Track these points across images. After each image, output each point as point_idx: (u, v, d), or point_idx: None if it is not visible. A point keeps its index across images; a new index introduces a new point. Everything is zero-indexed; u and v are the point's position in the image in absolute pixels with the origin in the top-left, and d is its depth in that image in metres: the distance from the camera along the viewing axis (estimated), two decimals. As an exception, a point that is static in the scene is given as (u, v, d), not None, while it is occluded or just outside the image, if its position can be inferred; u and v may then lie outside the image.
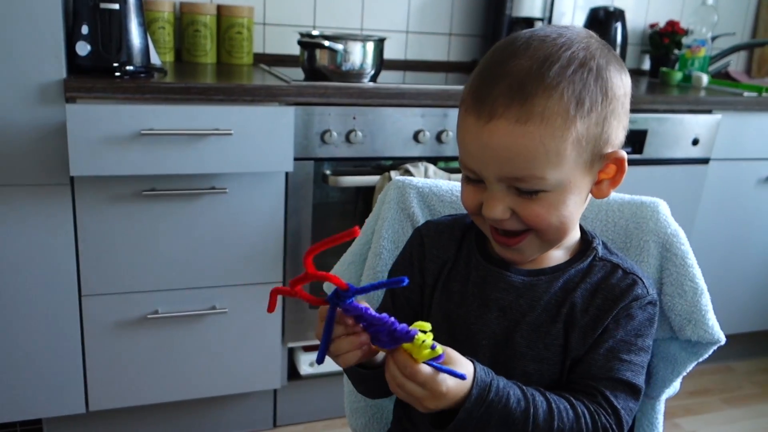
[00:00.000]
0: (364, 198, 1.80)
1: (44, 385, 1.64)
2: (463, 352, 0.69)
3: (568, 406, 0.73)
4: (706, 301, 0.86)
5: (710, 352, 0.87)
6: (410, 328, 0.65)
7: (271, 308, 0.67)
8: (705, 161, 2.09)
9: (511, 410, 0.70)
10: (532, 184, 0.70)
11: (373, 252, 0.98)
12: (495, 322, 0.79)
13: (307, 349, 1.91)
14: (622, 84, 0.74)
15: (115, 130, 1.46)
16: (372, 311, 0.66)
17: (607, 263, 0.81)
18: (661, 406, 0.94)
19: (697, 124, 2.03)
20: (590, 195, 0.78)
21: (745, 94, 2.13)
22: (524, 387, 0.73)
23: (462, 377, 0.67)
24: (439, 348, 0.65)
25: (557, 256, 0.82)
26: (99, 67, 1.54)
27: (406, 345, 0.65)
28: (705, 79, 2.28)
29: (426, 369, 0.65)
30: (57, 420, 1.73)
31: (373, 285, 0.65)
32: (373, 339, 0.67)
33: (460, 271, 0.84)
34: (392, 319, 0.65)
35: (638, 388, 0.77)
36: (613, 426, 0.75)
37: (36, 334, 1.60)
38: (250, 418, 1.93)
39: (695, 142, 2.04)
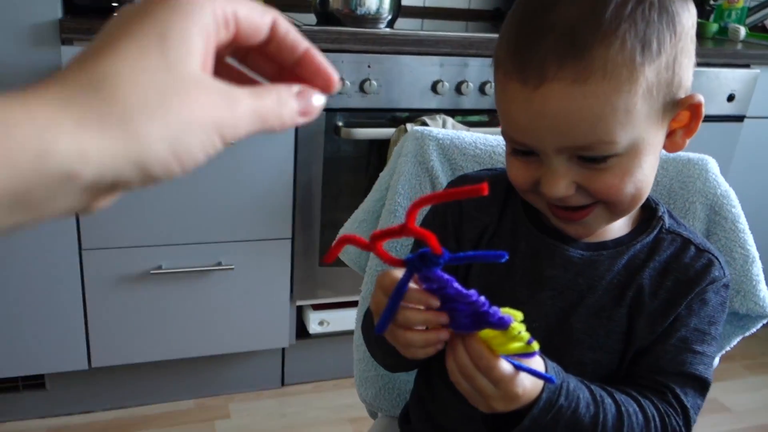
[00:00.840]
0: (378, 152, 1.71)
1: (46, 341, 1.59)
2: None
3: (638, 410, 0.65)
4: (758, 270, 0.78)
5: (759, 326, 0.79)
6: (499, 309, 0.53)
7: (330, 258, 0.49)
8: (740, 119, 1.97)
9: (580, 416, 0.61)
10: (601, 151, 0.59)
11: (387, 209, 0.90)
12: (549, 303, 0.69)
13: (316, 307, 1.85)
14: (689, 14, 0.62)
15: (114, 74, 1.37)
16: (458, 284, 0.53)
17: (677, 237, 0.71)
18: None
19: (733, 79, 1.90)
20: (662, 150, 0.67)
21: (785, 47, 2.00)
22: (593, 387, 0.64)
23: (551, 380, 0.57)
24: (536, 344, 0.54)
25: (619, 226, 0.71)
26: (97, 7, 1.45)
27: (489, 332, 0.54)
28: (742, 31, 2.15)
29: (506, 365, 0.55)
30: (59, 375, 1.69)
31: (468, 255, 0.52)
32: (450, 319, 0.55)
33: (505, 238, 0.73)
34: (482, 298, 0.52)
35: (708, 383, 0.69)
36: (682, 428, 0.67)
37: (36, 288, 1.54)
38: (257, 376, 1.88)
39: (731, 98, 1.92)
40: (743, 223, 0.79)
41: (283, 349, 1.88)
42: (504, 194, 0.76)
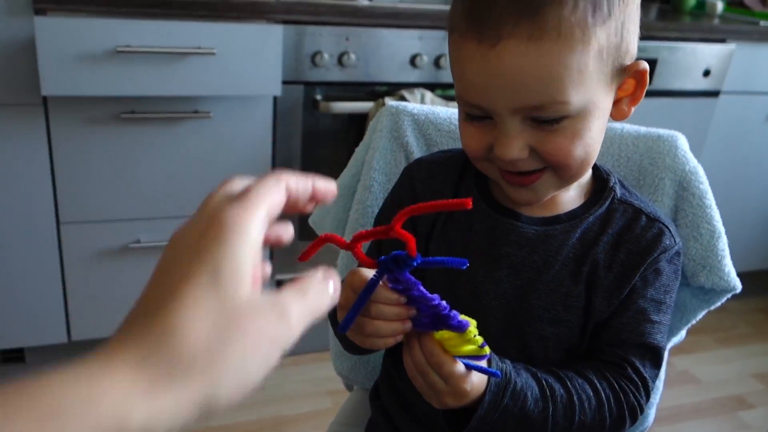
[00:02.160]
0: (357, 125, 1.71)
1: (25, 314, 1.59)
2: (470, 314, 0.58)
3: (591, 394, 0.67)
4: (724, 245, 0.79)
5: (723, 300, 0.81)
6: (458, 313, 0.56)
7: (305, 257, 0.52)
8: (715, 94, 1.99)
9: (528, 413, 0.64)
10: (553, 111, 0.60)
11: (362, 185, 0.90)
12: (506, 281, 0.70)
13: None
14: None
15: (89, 46, 1.35)
16: (423, 287, 0.55)
17: (629, 207, 0.72)
18: (665, 355, 0.89)
19: (710, 54, 1.92)
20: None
21: (761, 23, 2.01)
22: (546, 380, 0.66)
23: (496, 375, 0.60)
24: (487, 348, 0.58)
25: (571, 198, 0.73)
26: (70, -23, 1.42)
27: (445, 333, 0.57)
28: (719, 6, 2.16)
29: (457, 363, 0.58)
30: (39, 349, 1.69)
31: (436, 260, 0.54)
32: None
33: (459, 219, 0.74)
34: (444, 302, 0.55)
35: (663, 351, 0.72)
36: (642, 400, 0.69)
37: (15, 262, 1.54)
38: (237, 349, 1.89)
39: (706, 73, 1.94)
40: (710, 199, 0.80)
41: (263, 322, 1.89)
42: (457, 175, 0.76)
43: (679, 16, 2.08)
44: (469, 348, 0.57)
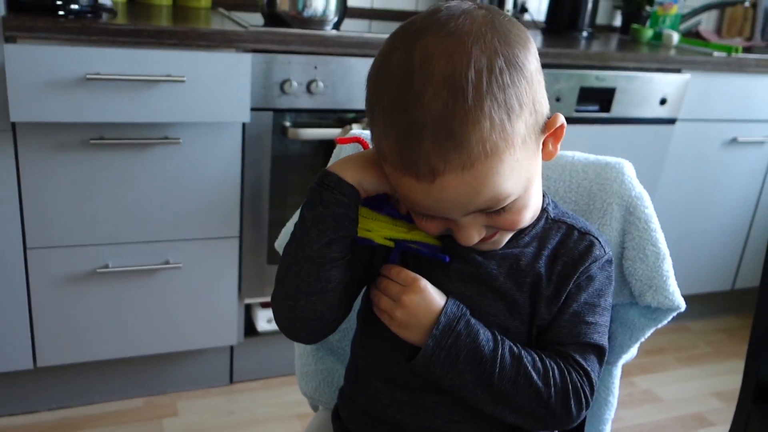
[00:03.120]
0: (325, 151, 1.74)
1: (-11, 340, 1.58)
2: None
3: (537, 359, 0.73)
4: (668, 266, 0.84)
5: (669, 318, 0.86)
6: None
7: (343, 140, 0.80)
8: (672, 121, 2.07)
9: (481, 346, 0.71)
10: (500, 203, 0.67)
11: (326, 209, 0.93)
12: (457, 293, 0.76)
13: (265, 305, 1.87)
14: (532, 56, 0.66)
15: (59, 73, 1.37)
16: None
17: (562, 225, 0.79)
18: (618, 371, 0.93)
19: (666, 83, 2.00)
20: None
21: (715, 54, 2.10)
22: (495, 332, 0.73)
23: (443, 259, 0.74)
24: (437, 242, 0.75)
25: None
26: (41, 5, 1.44)
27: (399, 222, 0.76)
28: (675, 37, 2.24)
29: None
30: (4, 375, 1.67)
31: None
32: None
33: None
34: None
35: (605, 349, 0.77)
36: (585, 387, 0.74)
37: (-22, 287, 1.53)
38: (206, 374, 1.90)
39: (663, 101, 2.01)
40: (655, 223, 0.85)
41: (232, 347, 1.89)
42: None
43: (636, 47, 2.16)
44: (419, 235, 0.74)
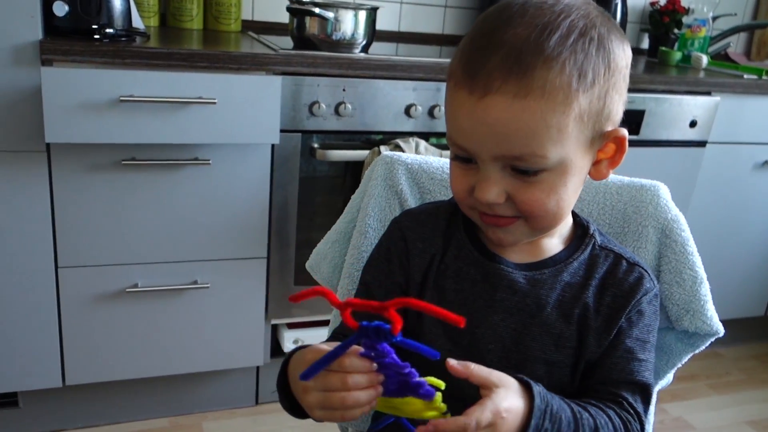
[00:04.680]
0: (353, 173, 1.75)
1: (20, 358, 1.59)
2: (469, 358, 0.62)
3: (608, 420, 0.70)
4: (706, 290, 0.82)
5: (707, 344, 0.84)
6: (426, 382, 0.58)
7: (296, 299, 0.55)
8: (702, 144, 2.04)
9: None
10: (532, 163, 0.64)
11: (358, 230, 0.93)
12: (502, 326, 0.73)
13: (291, 326, 1.87)
14: (624, 55, 0.68)
15: (93, 95, 1.40)
16: (395, 356, 0.57)
17: (610, 253, 0.77)
18: (653, 398, 0.91)
19: (696, 105, 1.98)
20: (587, 177, 0.73)
21: (745, 76, 2.08)
22: (572, 404, 0.68)
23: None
24: (449, 415, 0.59)
25: (554, 245, 0.77)
26: (77, 29, 1.48)
27: (411, 399, 0.59)
28: (705, 59, 2.23)
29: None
30: (33, 393, 1.69)
31: (412, 344, 0.55)
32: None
33: (451, 265, 0.77)
34: (413, 370, 0.57)
35: (652, 388, 0.75)
36: (639, 430, 0.72)
37: (12, 305, 1.55)
38: (231, 395, 1.89)
39: (693, 124, 1.99)
40: (692, 246, 0.83)
41: (258, 368, 1.89)
42: (446, 223, 0.80)
43: (665, 69, 2.15)
44: (432, 414, 0.59)
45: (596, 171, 0.72)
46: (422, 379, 0.58)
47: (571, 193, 0.69)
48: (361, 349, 0.57)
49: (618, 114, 0.70)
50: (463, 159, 0.69)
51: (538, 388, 0.65)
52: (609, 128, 0.69)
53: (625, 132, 0.70)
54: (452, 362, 0.61)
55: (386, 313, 0.52)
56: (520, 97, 0.62)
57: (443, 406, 0.59)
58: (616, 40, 0.67)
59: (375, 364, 0.58)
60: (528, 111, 0.62)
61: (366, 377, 0.58)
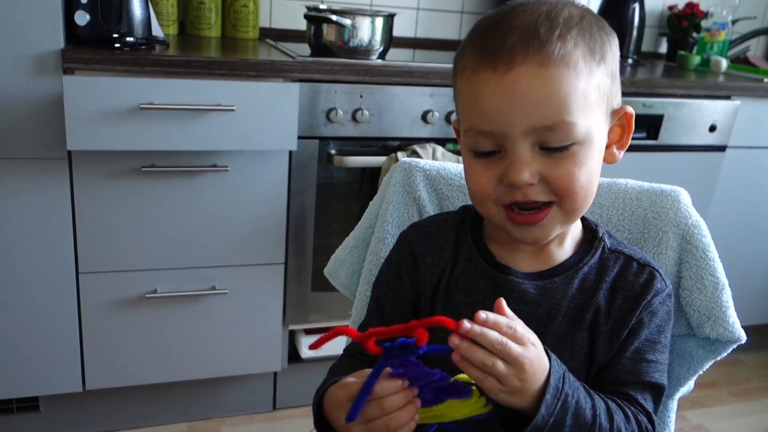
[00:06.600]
0: (370, 179, 1.75)
1: (41, 363, 1.61)
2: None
3: (617, 408, 0.70)
4: (728, 297, 0.81)
5: (729, 350, 0.83)
6: (459, 382, 0.58)
7: (315, 346, 0.57)
8: (722, 149, 2.02)
9: (581, 405, 0.64)
10: (563, 133, 0.65)
11: (376, 237, 0.94)
12: None
13: (309, 332, 1.88)
14: (616, 45, 0.73)
15: (114, 103, 1.41)
16: (423, 366, 0.57)
17: (620, 255, 0.76)
18: (674, 405, 0.90)
19: (715, 110, 1.96)
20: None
21: (765, 80, 2.06)
22: (584, 384, 0.68)
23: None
24: (490, 405, 0.60)
25: (563, 251, 0.76)
26: (98, 38, 1.49)
27: (451, 402, 0.60)
28: (724, 63, 2.21)
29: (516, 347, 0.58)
30: (54, 398, 1.71)
31: (439, 349, 0.56)
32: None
33: (462, 278, 0.77)
34: (444, 373, 0.57)
35: (664, 388, 0.75)
36: (650, 429, 0.72)
37: (33, 311, 1.57)
38: (249, 400, 1.90)
39: (712, 128, 1.98)
40: (713, 252, 0.83)
41: (275, 373, 1.90)
42: (454, 235, 0.79)
43: (684, 74, 2.13)
44: (474, 409, 0.59)
45: (609, 154, 0.74)
46: (455, 379, 0.58)
47: (596, 169, 0.70)
48: (390, 370, 0.58)
49: (620, 97, 0.73)
50: (483, 154, 0.68)
51: (555, 357, 0.64)
52: (616, 106, 0.72)
53: (631, 109, 0.73)
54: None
55: (412, 333, 0.53)
56: (545, 67, 0.64)
57: (483, 399, 0.59)
58: (610, 32, 0.72)
59: (407, 381, 0.58)
60: (555, 78, 0.64)
61: (401, 396, 0.59)
